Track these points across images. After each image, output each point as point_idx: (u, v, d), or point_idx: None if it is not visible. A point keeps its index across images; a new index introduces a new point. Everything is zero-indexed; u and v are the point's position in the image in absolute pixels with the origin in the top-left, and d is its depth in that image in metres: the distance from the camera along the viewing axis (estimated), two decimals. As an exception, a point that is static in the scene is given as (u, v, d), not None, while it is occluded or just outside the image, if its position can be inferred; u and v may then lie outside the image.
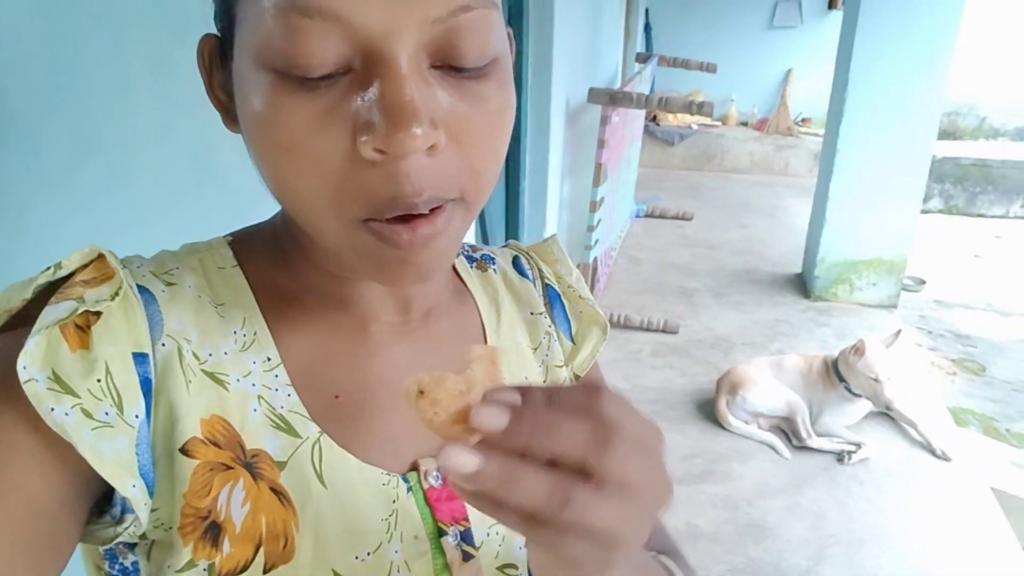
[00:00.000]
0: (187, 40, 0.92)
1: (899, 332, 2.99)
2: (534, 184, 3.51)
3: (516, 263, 0.68)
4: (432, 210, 0.42)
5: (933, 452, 2.94)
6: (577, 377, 0.69)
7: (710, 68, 5.48)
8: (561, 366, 0.67)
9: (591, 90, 3.59)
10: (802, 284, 4.54)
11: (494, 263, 0.67)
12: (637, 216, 5.75)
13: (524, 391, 0.37)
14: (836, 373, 3.03)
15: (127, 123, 0.86)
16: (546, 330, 0.66)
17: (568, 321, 0.69)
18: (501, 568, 0.55)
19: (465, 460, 0.35)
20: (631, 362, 3.58)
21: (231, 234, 0.55)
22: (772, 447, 2.92)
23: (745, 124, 7.89)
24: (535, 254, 0.70)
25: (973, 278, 5.83)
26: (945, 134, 7.75)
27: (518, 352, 0.63)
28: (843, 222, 4.19)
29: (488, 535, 0.54)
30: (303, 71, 0.40)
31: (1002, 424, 3.87)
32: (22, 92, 0.72)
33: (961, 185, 7.26)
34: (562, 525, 0.35)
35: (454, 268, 0.64)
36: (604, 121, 3.63)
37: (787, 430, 3.01)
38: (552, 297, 0.68)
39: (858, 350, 2.96)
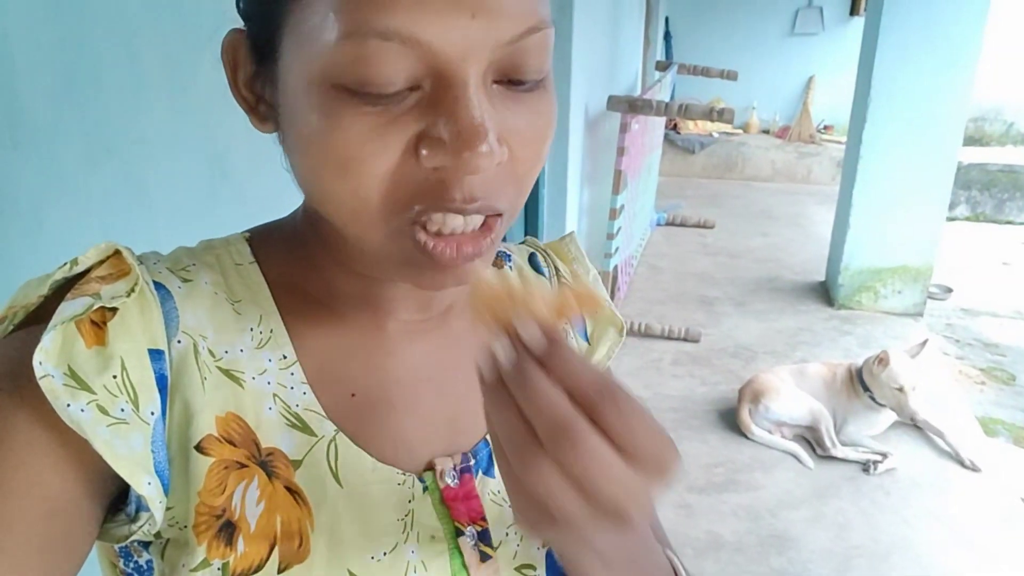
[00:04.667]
0: (201, 46, 0.93)
1: (925, 342, 2.94)
2: (553, 192, 3.50)
3: (532, 260, 0.68)
4: (481, 227, 0.43)
5: (961, 462, 2.88)
6: None
7: (731, 76, 5.44)
8: None
9: (610, 97, 3.59)
10: (825, 292, 4.48)
11: (510, 260, 0.67)
12: (658, 224, 5.72)
13: (552, 340, 0.37)
14: (860, 382, 2.99)
15: (141, 128, 0.86)
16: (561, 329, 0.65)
17: (584, 321, 0.68)
18: (519, 568, 0.54)
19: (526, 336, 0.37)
20: (651, 371, 3.55)
21: (249, 230, 0.55)
22: (796, 456, 2.88)
23: (767, 132, 7.84)
24: (552, 252, 0.70)
25: (1001, 286, 5.72)
26: (972, 140, 7.64)
27: None
28: (867, 229, 4.14)
29: (506, 535, 0.54)
30: (376, 89, 0.40)
31: (1033, 434, 3.79)
32: (38, 96, 0.73)
33: (988, 192, 7.14)
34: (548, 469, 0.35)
35: None
36: (624, 128, 3.62)
37: (811, 439, 2.96)
38: None
39: (882, 360, 2.91)
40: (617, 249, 3.79)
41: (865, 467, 2.83)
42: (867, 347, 3.85)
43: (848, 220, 4.16)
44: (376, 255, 0.46)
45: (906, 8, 3.71)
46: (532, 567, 0.55)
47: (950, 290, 5.45)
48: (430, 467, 0.53)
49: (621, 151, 3.63)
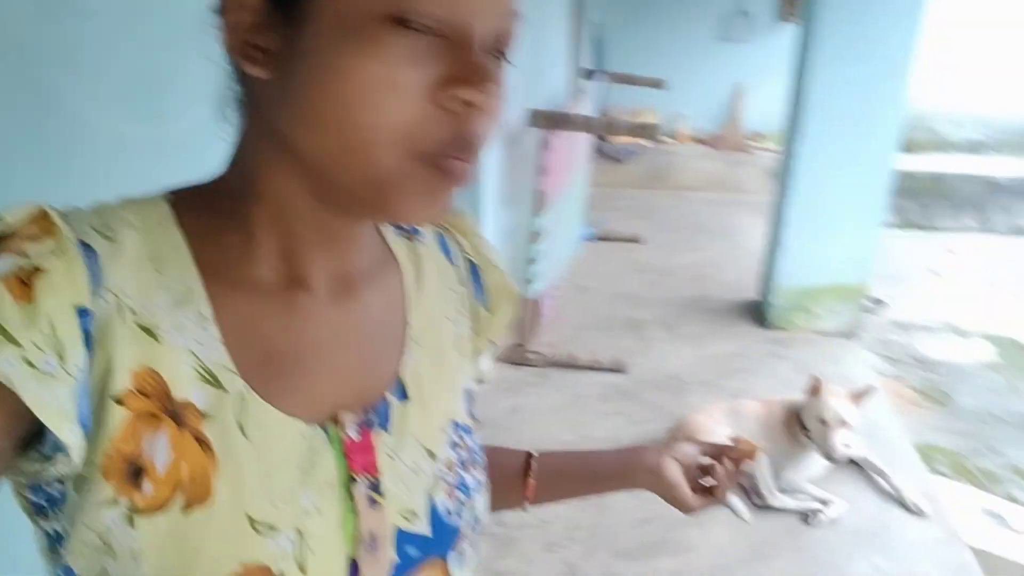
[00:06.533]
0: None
1: (871, 389, 2.72)
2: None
3: (439, 239, 0.72)
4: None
5: (906, 506, 2.69)
6: (494, 343, 0.77)
7: (658, 84, 5.24)
8: (467, 338, 0.72)
9: (531, 112, 3.30)
10: (758, 312, 4.29)
11: (420, 234, 0.71)
12: (586, 239, 5.47)
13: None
14: (798, 421, 2.77)
15: None
16: (459, 305, 0.71)
17: (484, 292, 0.75)
18: (404, 515, 0.58)
19: None
20: (577, 409, 3.27)
21: (170, 191, 0.56)
22: (731, 508, 2.63)
23: (697, 140, 7.70)
24: (453, 227, 0.75)
25: (931, 296, 5.67)
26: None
27: (435, 322, 0.68)
28: (801, 247, 3.96)
29: (395, 485, 0.58)
30: (424, 19, 0.47)
31: (971, 461, 3.65)
32: None
33: (916, 199, 7.14)
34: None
35: (381, 235, 0.67)
36: (544, 146, 3.34)
37: (747, 486, 2.72)
38: (472, 271, 0.74)
39: (814, 389, 2.71)
40: (539, 275, 3.51)
41: (805, 517, 2.61)
42: (803, 372, 3.64)
43: (781, 238, 3.97)
44: (376, 179, 0.50)
45: (838, 19, 3.54)
46: (415, 514, 0.59)
47: (881, 302, 5.35)
48: (334, 420, 0.56)
49: (542, 170, 3.36)
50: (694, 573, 2.36)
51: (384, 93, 0.47)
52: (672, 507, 0.85)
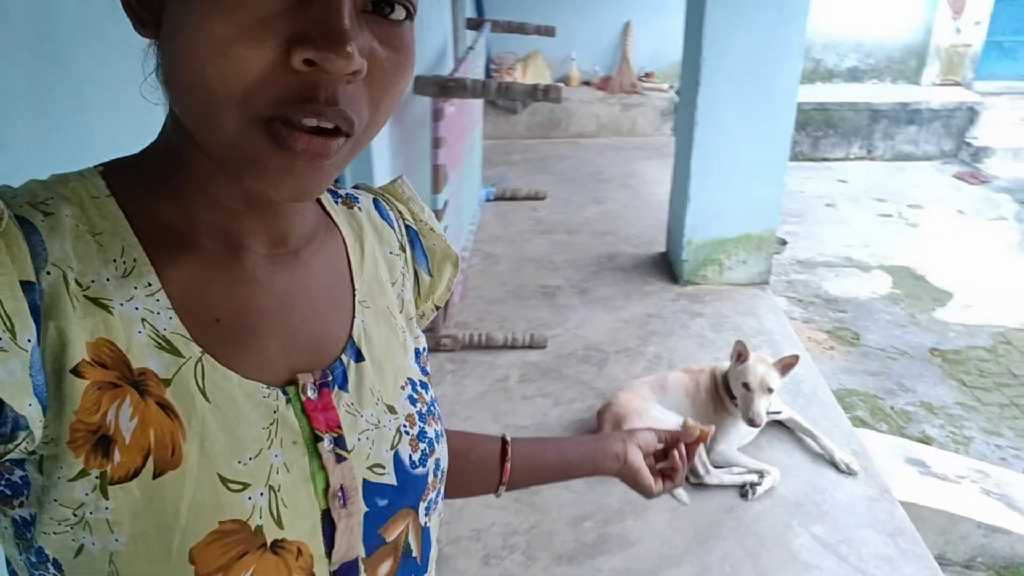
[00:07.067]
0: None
1: (797, 359, 2.66)
2: (362, 198, 2.91)
3: (377, 206, 0.73)
4: (330, 133, 0.47)
5: (837, 467, 2.67)
6: (437, 307, 0.78)
7: (548, 32, 5.00)
8: (410, 300, 0.73)
9: (417, 78, 3.01)
10: (668, 266, 4.21)
11: (358, 202, 0.71)
12: (487, 200, 5.24)
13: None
14: (726, 388, 2.70)
15: None
16: (401, 269, 0.72)
17: (426, 257, 0.76)
18: (370, 467, 0.60)
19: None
20: (498, 393, 3.11)
21: (102, 164, 0.55)
22: (670, 493, 2.54)
23: (588, 84, 7.51)
24: (390, 195, 0.75)
25: (828, 229, 5.77)
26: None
27: (380, 285, 0.68)
28: (708, 200, 3.87)
29: (359, 440, 0.59)
30: None
31: (886, 401, 3.73)
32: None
33: (804, 131, 7.23)
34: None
35: (321, 204, 0.67)
36: (437, 116, 3.07)
37: (681, 465, 2.64)
38: (412, 237, 0.75)
39: (741, 356, 2.64)
40: (445, 253, 3.28)
41: (743, 492, 2.55)
42: (719, 329, 3.62)
43: (687, 192, 3.86)
44: (227, 149, 0.48)
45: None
46: (381, 466, 0.60)
47: (784, 242, 5.39)
48: (292, 382, 0.57)
49: (437, 142, 3.09)
50: (640, 569, 2.26)
51: (231, 50, 0.44)
52: (635, 491, 0.92)
